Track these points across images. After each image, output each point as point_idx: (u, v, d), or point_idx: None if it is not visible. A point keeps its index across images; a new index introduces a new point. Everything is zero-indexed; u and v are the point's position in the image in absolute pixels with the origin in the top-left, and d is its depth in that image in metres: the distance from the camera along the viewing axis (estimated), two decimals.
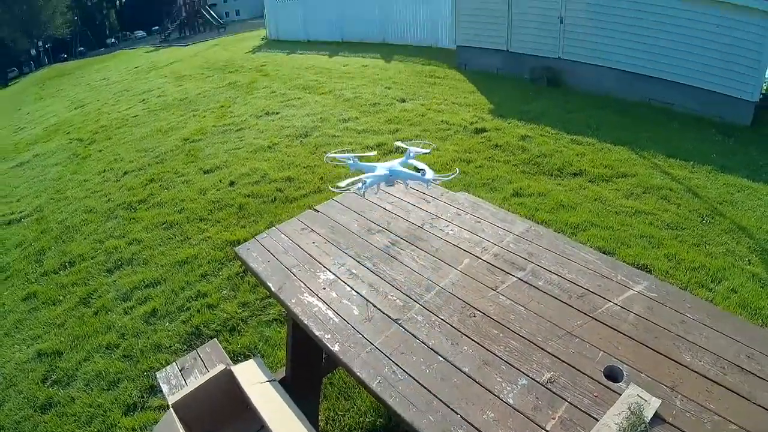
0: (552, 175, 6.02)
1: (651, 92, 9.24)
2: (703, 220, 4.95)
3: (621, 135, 7.18)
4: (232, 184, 6.19)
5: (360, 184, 2.43)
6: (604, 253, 3.40)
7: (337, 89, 10.63)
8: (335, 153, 2.77)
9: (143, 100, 13.55)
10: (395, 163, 2.61)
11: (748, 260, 4.28)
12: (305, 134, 7.90)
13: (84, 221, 6.19)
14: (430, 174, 2.51)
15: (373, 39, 16.93)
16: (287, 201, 5.72)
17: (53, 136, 12.39)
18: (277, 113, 9.39)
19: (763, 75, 8.60)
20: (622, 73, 9.52)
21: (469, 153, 6.63)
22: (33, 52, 78.20)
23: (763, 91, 8.81)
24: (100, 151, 9.50)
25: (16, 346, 4.35)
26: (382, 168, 2.55)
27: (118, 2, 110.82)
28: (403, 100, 9.35)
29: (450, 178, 2.49)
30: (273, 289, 2.35)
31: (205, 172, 6.76)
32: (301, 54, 16.47)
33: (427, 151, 2.74)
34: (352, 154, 2.66)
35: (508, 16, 10.99)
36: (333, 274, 2.39)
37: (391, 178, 2.58)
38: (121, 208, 6.24)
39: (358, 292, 2.24)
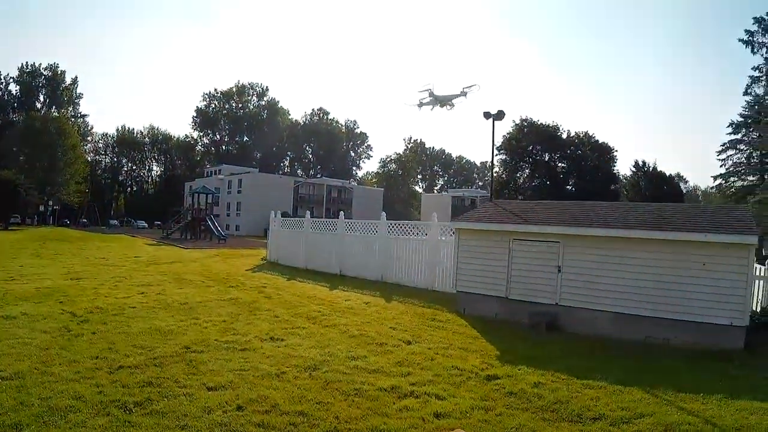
0: (572, 421, 6.05)
1: (646, 330, 10.14)
2: None
3: (628, 375, 7.59)
4: (240, 408, 5.96)
5: None
6: None
7: (341, 324, 10.88)
8: None
9: (143, 293, 13.65)
10: None
11: None
12: (314, 367, 7.84)
13: (71, 408, 5.80)
14: None
15: (372, 276, 17.72)
16: None
17: (45, 300, 12.18)
18: (282, 340, 9.41)
19: (749, 301, 9.74)
20: (616, 315, 10.55)
21: (486, 401, 6.62)
22: (41, 208, 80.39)
23: (750, 316, 9.79)
24: (94, 333, 9.26)
25: None
26: None
27: (129, 189, 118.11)
28: (410, 342, 9.58)
29: None
30: None
31: (209, 389, 6.54)
32: (300, 282, 17.07)
33: None
34: None
35: (508, 265, 12.12)
36: None
37: None
38: (115, 405, 5.90)
39: None
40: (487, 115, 23.90)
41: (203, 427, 5.44)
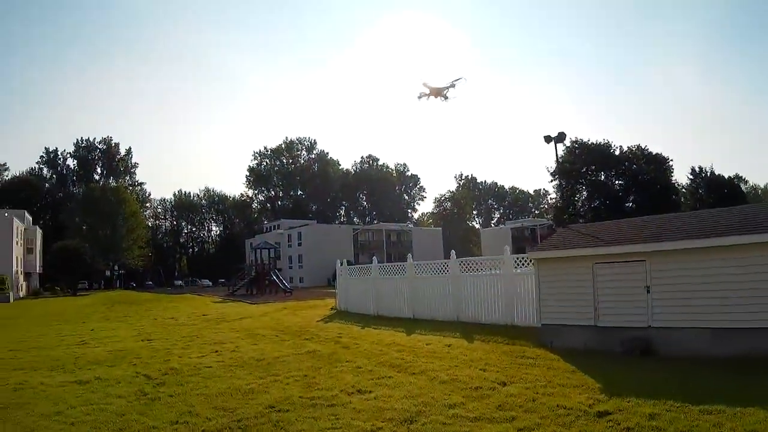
0: None
1: (749, 343, 9.17)
2: None
3: (743, 394, 7.02)
4: None
5: None
6: None
7: (428, 370, 9.97)
8: None
9: (216, 351, 13.03)
10: None
11: None
12: (411, 419, 6.93)
13: None
14: None
15: (446, 317, 16.97)
16: None
17: (118, 363, 11.73)
18: (370, 392, 8.54)
19: None
20: (714, 330, 9.61)
21: None
22: (107, 273, 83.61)
23: None
24: (171, 396, 8.62)
25: None
26: None
27: (191, 250, 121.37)
28: (504, 383, 8.72)
29: None
30: None
31: None
32: (375, 329, 16.20)
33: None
34: None
35: (594, 292, 11.27)
36: None
37: None
38: None
39: None
40: (548, 138, 22.91)
41: None
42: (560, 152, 67.67)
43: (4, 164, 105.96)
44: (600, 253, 11.32)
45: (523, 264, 15.07)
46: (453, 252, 18.20)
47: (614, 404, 7.15)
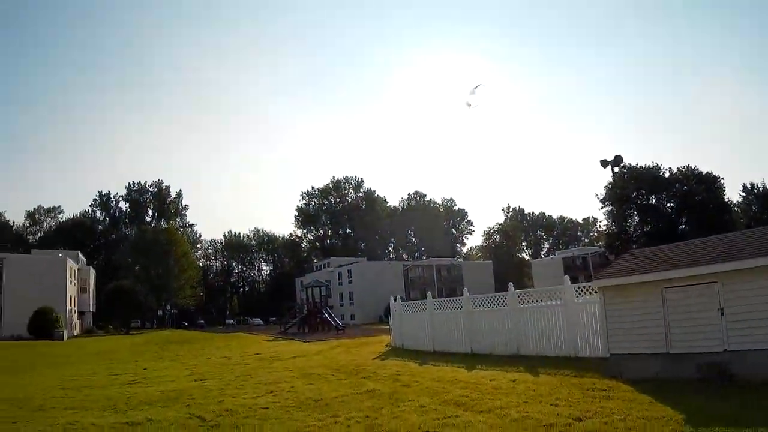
0: None
1: None
2: None
3: None
4: None
5: None
6: None
7: (496, 407, 9.11)
8: None
9: (272, 391, 12.36)
10: None
11: None
12: None
13: None
14: None
15: (506, 351, 16.28)
16: None
17: (171, 404, 11.17)
18: None
19: None
20: None
21: None
22: (160, 312, 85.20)
23: None
24: None
25: None
26: None
27: (242, 290, 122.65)
28: (580, 419, 8.02)
29: None
30: None
31: None
32: (434, 365, 15.32)
33: None
34: None
35: (664, 317, 10.76)
36: None
37: None
38: None
39: None
40: (604, 163, 22.05)
41: None
42: (609, 178, 66.48)
43: (59, 207, 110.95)
44: (668, 277, 10.83)
45: (583, 293, 14.71)
46: (510, 284, 17.36)
47: None
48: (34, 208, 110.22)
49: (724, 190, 67.08)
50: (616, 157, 19.91)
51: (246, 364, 19.26)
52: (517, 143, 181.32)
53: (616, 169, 26.43)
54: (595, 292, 13.22)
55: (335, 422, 8.74)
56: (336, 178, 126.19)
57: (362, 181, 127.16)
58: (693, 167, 67.39)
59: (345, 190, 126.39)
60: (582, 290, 14.77)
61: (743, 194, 65.89)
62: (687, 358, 10.32)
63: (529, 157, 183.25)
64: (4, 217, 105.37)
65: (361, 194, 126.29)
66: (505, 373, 12.78)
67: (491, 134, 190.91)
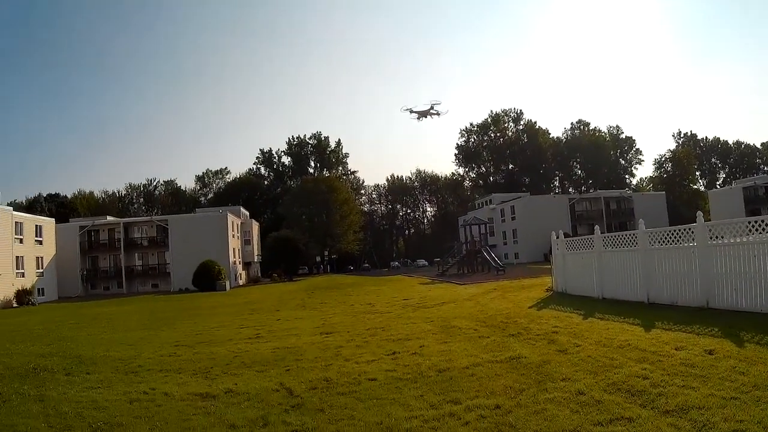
0: None
1: None
2: None
3: None
4: None
5: None
6: None
7: (691, 404, 5.67)
8: None
9: (394, 352, 10.04)
10: None
11: None
12: None
13: None
14: None
15: (693, 302, 12.18)
16: None
17: (271, 368, 9.44)
18: None
19: None
20: None
21: None
22: (321, 258, 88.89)
23: None
24: (313, 430, 5.87)
25: None
26: None
27: (407, 232, 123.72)
28: None
29: None
30: None
31: None
32: (601, 319, 11.83)
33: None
34: None
35: None
36: None
37: None
38: None
39: None
40: None
41: None
42: None
43: (226, 168, 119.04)
44: None
45: None
46: (699, 213, 12.85)
47: None
48: (203, 172, 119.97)
49: None
50: None
51: (387, 313, 17.36)
52: (687, 59, 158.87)
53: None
54: None
55: (450, 415, 6.08)
56: (494, 112, 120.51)
57: (522, 113, 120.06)
58: None
59: (504, 123, 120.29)
60: None
61: None
62: None
63: (700, 74, 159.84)
64: (176, 183, 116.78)
65: (521, 127, 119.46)
66: (696, 336, 8.89)
67: (657, 52, 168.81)
